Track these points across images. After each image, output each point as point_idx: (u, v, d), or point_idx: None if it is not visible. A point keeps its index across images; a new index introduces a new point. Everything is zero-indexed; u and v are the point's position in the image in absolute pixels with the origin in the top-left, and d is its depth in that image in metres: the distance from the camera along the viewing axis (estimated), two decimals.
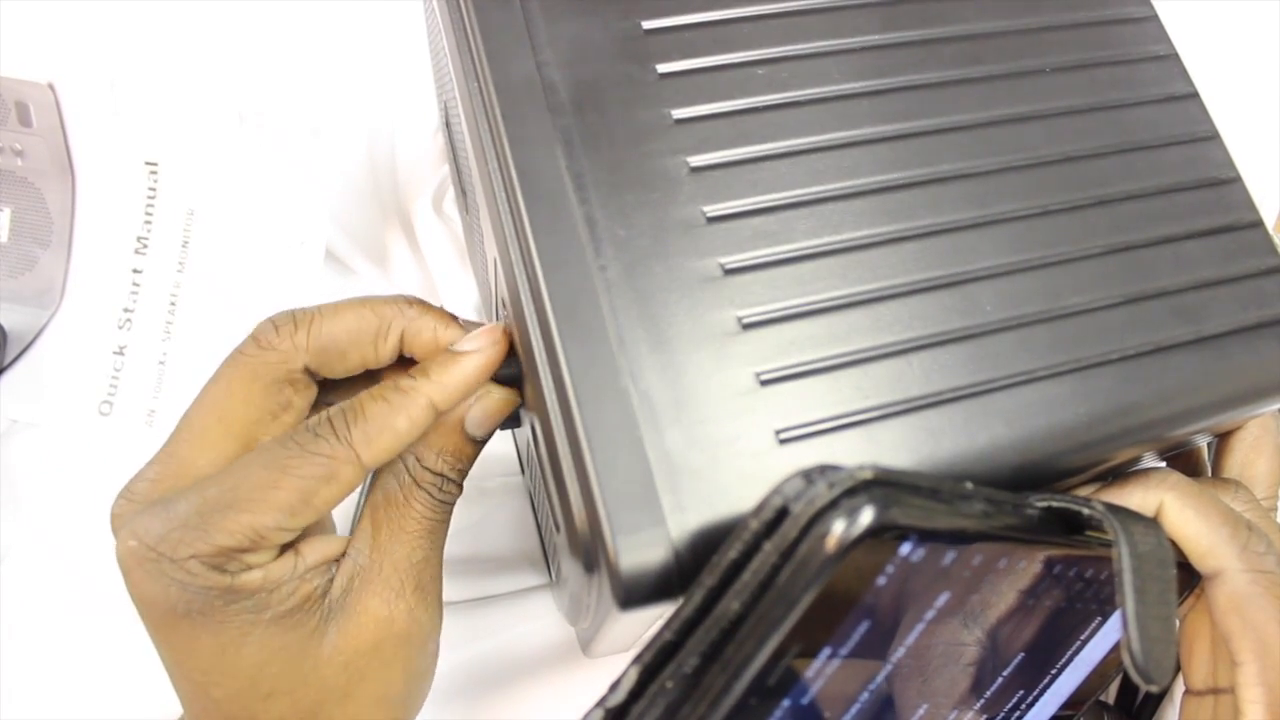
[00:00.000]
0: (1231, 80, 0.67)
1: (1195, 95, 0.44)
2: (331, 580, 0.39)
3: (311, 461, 0.36)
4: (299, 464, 0.36)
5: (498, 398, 0.40)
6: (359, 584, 0.39)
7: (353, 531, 0.40)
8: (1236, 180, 0.43)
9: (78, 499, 0.59)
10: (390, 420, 0.38)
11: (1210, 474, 0.48)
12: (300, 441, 0.37)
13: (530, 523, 0.59)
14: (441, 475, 0.40)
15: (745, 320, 0.36)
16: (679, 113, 0.39)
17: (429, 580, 0.40)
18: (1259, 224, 0.42)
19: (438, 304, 0.58)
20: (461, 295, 0.60)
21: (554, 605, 0.57)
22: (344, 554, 0.40)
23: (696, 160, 0.38)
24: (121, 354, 0.61)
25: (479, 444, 0.41)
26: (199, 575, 0.35)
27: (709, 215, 0.38)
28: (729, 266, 0.37)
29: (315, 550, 0.39)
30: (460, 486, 0.41)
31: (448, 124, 0.54)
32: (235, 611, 0.36)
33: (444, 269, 0.61)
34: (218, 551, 0.35)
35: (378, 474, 0.41)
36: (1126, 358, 0.38)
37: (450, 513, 0.41)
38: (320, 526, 0.42)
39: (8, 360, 0.61)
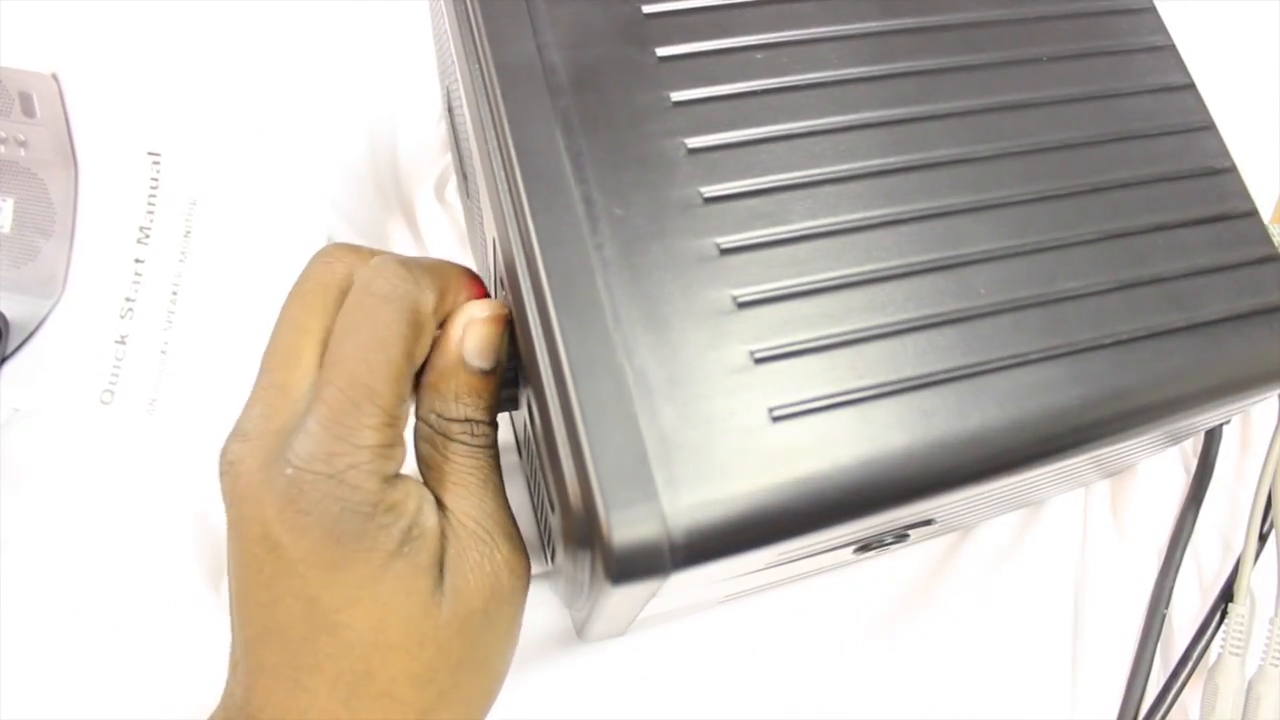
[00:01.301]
0: (1230, 72, 0.67)
1: (1192, 86, 0.44)
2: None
3: (392, 314, 0.38)
4: (384, 324, 0.37)
5: (483, 318, 0.40)
6: (454, 549, 0.39)
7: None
8: (1232, 170, 0.43)
9: (79, 488, 0.59)
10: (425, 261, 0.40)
11: None
12: (371, 301, 0.38)
13: (528, 508, 0.59)
14: (467, 420, 0.40)
15: (740, 299, 0.37)
16: (678, 95, 0.39)
17: (511, 528, 0.40)
18: (1253, 213, 0.42)
19: None
20: None
21: (551, 594, 0.57)
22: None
23: (694, 142, 0.39)
24: (123, 343, 0.61)
25: (489, 375, 0.40)
26: (360, 486, 0.36)
27: (706, 196, 0.38)
28: (725, 246, 0.37)
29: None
30: (492, 425, 0.41)
31: (450, 108, 0.55)
32: (384, 537, 0.36)
33: (446, 257, 0.61)
34: (373, 454, 0.36)
35: (416, 453, 0.41)
36: (1120, 342, 0.39)
37: (495, 458, 0.41)
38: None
39: (10, 349, 0.61)
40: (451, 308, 0.40)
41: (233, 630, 0.39)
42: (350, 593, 0.36)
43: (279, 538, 0.36)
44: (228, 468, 0.38)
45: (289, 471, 0.36)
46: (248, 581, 0.38)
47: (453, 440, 0.40)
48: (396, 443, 0.37)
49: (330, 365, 0.37)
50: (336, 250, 0.41)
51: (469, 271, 0.42)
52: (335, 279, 0.40)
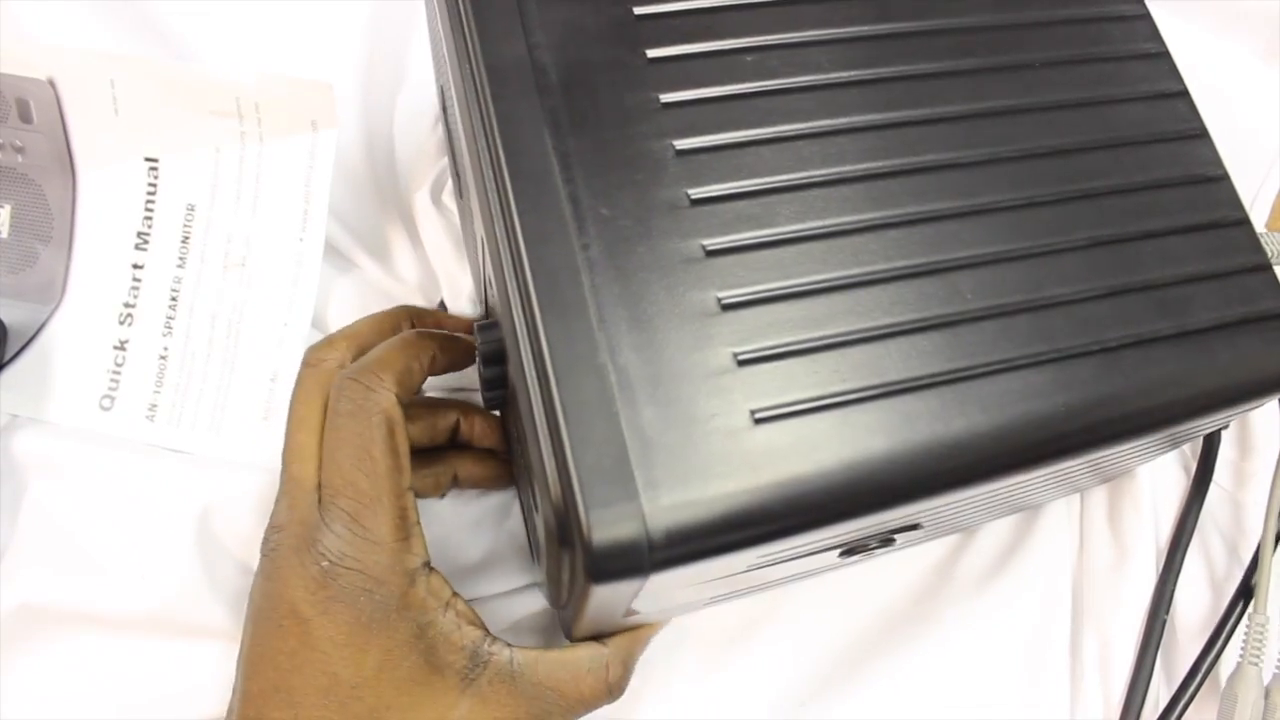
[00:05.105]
0: (1223, 79, 0.67)
1: (1184, 93, 0.44)
2: (490, 650, 0.44)
3: (362, 426, 0.43)
4: (360, 434, 0.43)
5: None
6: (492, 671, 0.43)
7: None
8: (1224, 178, 0.43)
9: (78, 494, 0.59)
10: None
11: None
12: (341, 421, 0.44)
13: (521, 522, 0.59)
14: None
15: (725, 301, 0.37)
16: (666, 97, 0.39)
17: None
18: (1245, 221, 0.42)
19: (439, 296, 0.59)
20: (461, 287, 0.60)
21: (543, 601, 0.57)
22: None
23: (682, 143, 0.39)
24: (122, 349, 0.61)
25: None
26: (385, 582, 0.42)
27: (693, 197, 0.38)
28: (711, 248, 0.37)
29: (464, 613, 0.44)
30: None
31: (444, 108, 0.55)
32: (403, 628, 0.42)
33: (443, 260, 0.61)
34: (392, 550, 0.42)
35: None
36: (1107, 349, 0.38)
37: None
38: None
39: (9, 356, 0.61)
40: (420, 373, 0.46)
41: (237, 679, 0.44)
42: (369, 674, 0.42)
43: (308, 616, 0.42)
44: (269, 552, 0.44)
45: (324, 564, 0.42)
46: (267, 645, 0.43)
47: None
48: (412, 535, 0.43)
49: (333, 477, 0.43)
50: (319, 351, 0.47)
51: (423, 334, 0.48)
52: (326, 375, 0.46)
